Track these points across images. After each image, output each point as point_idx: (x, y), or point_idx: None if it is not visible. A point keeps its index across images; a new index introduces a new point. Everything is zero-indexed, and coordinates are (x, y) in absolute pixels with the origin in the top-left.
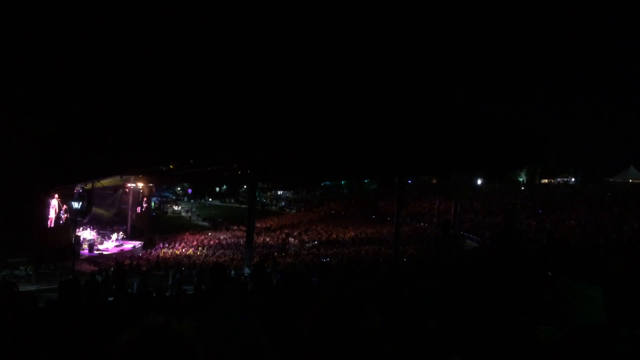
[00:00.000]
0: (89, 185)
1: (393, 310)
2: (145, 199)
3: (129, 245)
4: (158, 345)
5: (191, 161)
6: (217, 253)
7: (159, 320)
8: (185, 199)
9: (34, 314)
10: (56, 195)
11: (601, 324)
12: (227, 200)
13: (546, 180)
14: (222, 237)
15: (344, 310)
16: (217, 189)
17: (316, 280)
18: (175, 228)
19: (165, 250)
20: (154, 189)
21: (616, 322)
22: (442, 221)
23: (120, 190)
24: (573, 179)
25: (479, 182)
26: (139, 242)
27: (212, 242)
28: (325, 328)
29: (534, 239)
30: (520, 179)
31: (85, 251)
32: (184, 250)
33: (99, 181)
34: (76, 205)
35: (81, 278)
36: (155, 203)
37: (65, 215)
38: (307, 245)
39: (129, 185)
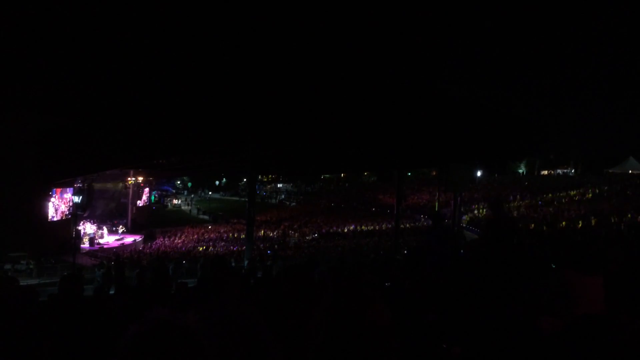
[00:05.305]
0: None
1: (394, 302)
2: (145, 191)
3: (129, 239)
4: (163, 339)
5: (190, 154)
6: (218, 246)
7: (162, 313)
8: (185, 192)
9: (36, 308)
10: (56, 189)
11: (602, 314)
12: (227, 193)
13: (546, 172)
14: (222, 231)
15: (353, 303)
16: (217, 182)
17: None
18: (175, 221)
19: (166, 244)
20: (154, 183)
21: (616, 312)
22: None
23: (120, 184)
24: (573, 170)
25: (479, 173)
26: (140, 236)
27: (212, 236)
28: (335, 320)
29: (534, 230)
30: (520, 171)
31: (86, 245)
32: (184, 243)
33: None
34: (76, 199)
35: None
36: (155, 196)
37: (65, 209)
38: (307, 238)
39: (129, 179)
